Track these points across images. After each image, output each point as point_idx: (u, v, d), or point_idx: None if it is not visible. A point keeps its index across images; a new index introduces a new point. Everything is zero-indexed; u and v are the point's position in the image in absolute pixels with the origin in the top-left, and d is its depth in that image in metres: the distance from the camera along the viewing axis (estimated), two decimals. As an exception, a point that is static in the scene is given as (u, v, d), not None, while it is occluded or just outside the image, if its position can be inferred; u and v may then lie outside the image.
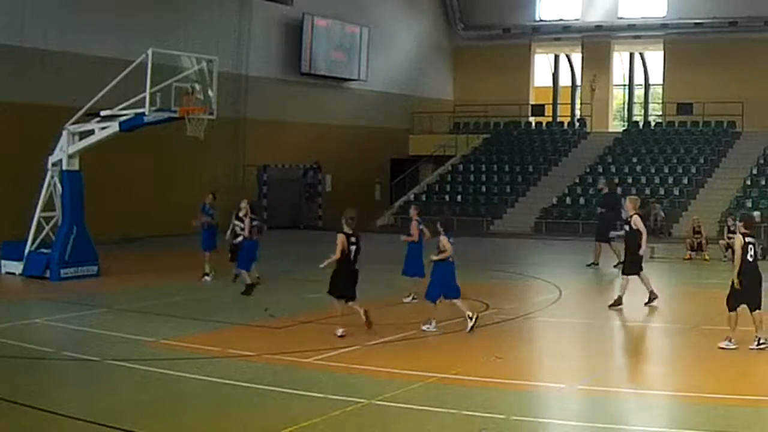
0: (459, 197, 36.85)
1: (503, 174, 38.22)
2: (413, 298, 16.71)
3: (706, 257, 24.58)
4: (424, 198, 37.35)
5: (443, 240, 14.13)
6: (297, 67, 35.96)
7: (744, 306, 12.99)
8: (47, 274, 19.77)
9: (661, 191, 34.25)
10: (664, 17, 40.15)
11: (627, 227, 16.72)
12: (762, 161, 34.66)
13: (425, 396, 10.28)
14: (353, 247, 13.75)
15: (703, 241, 24.93)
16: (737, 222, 13.69)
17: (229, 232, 18.67)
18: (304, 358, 12.16)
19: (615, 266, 21.90)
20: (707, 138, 37.64)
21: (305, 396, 10.19)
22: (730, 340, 12.81)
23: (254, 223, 18.03)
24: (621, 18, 41.24)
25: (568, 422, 9.63)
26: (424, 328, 14.22)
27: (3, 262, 20.80)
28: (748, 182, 33.64)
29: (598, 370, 12.11)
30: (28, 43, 25.93)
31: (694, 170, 35.28)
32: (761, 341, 12.73)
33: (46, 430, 9.18)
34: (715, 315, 15.98)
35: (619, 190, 27.63)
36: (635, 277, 16.70)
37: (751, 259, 13.02)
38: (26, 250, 20.34)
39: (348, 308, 13.88)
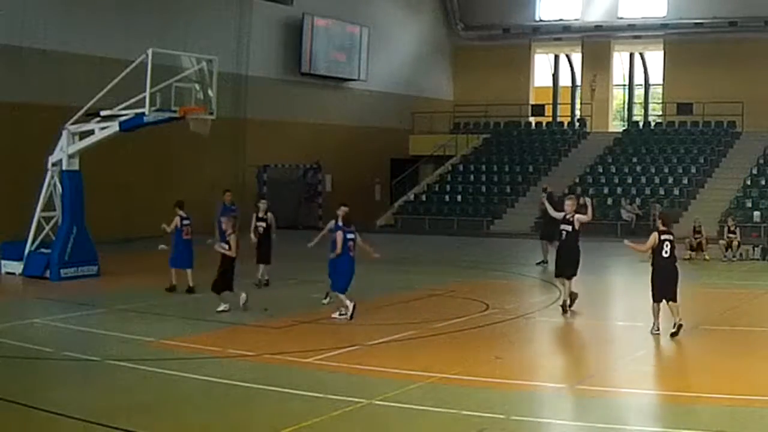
0: (459, 197, 36.82)
1: (503, 174, 38.20)
2: (330, 299, 16.40)
3: (707, 257, 24.57)
4: (424, 198, 37.36)
5: (338, 236, 15.14)
6: (297, 67, 35.93)
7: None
8: (47, 274, 19.77)
9: (661, 191, 34.24)
10: (664, 17, 40.12)
11: (569, 227, 15.77)
12: (762, 161, 34.65)
13: (425, 396, 10.29)
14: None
15: (703, 241, 24.91)
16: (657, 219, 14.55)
17: (252, 234, 18.56)
18: (304, 358, 12.16)
19: (538, 263, 22.80)
20: (707, 138, 37.63)
21: (305, 396, 10.19)
22: (656, 328, 13.72)
23: (185, 222, 17.96)
24: (621, 18, 41.20)
25: (568, 422, 9.64)
26: (333, 316, 15.03)
27: (3, 262, 20.81)
28: (748, 182, 33.63)
29: (597, 370, 12.12)
30: (28, 43, 25.92)
31: (694, 170, 35.27)
32: (656, 329, 13.70)
33: (46, 430, 9.19)
34: (715, 315, 16.03)
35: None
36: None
37: (666, 255, 13.67)
38: (26, 250, 20.35)
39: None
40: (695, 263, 24.21)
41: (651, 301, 13.84)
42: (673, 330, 13.47)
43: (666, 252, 13.67)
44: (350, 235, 15.25)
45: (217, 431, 9.29)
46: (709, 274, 22.39)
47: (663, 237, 13.75)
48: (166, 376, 11.21)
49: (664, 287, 13.67)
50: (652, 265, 13.84)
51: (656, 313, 13.79)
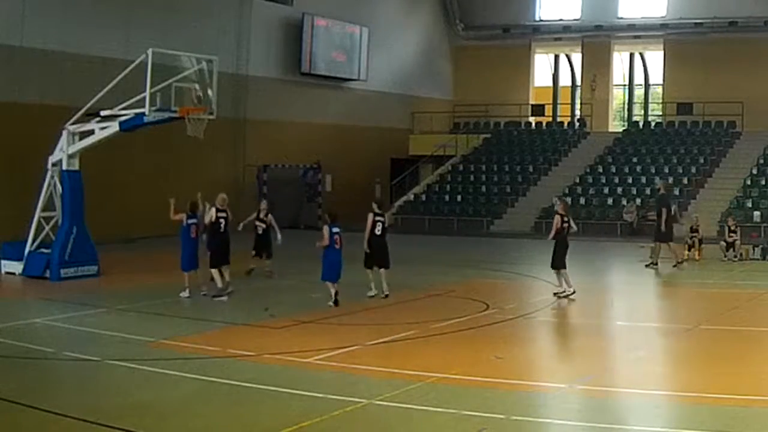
0: (459, 197, 36.82)
1: (503, 174, 38.20)
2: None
3: (697, 257, 24.42)
4: (424, 198, 37.36)
5: (324, 230, 16.23)
6: (297, 67, 35.93)
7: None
8: (47, 274, 19.76)
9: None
10: (664, 17, 40.14)
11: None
12: (762, 161, 34.65)
13: (425, 396, 10.28)
14: (222, 221, 17.42)
15: (697, 241, 24.82)
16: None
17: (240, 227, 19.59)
18: (304, 358, 12.16)
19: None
20: (707, 138, 37.63)
21: (305, 396, 10.19)
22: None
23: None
24: (621, 18, 41.21)
25: (568, 422, 9.63)
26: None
27: (3, 262, 20.79)
28: (748, 182, 33.63)
29: (598, 370, 12.11)
30: (28, 43, 25.91)
31: (694, 170, 35.27)
32: None
33: (46, 430, 9.19)
34: (715, 315, 16.03)
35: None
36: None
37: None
38: (26, 250, 20.34)
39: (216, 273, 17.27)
40: (694, 263, 24.15)
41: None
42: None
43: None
44: (335, 229, 16.24)
45: (217, 431, 9.29)
46: (709, 274, 22.38)
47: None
48: (166, 376, 11.20)
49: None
50: None
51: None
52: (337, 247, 16.25)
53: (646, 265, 22.50)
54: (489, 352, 12.80)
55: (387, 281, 17.30)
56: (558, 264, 17.51)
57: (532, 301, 17.82)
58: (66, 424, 9.22)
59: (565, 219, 17.63)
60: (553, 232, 17.59)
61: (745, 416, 9.52)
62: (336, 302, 16.24)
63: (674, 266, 22.45)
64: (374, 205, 17.46)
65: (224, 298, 17.19)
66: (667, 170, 35.58)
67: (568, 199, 34.89)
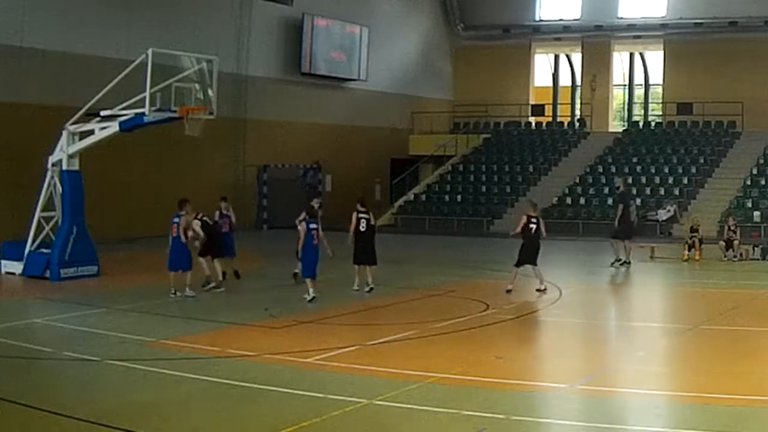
0: (459, 197, 36.81)
1: (503, 174, 38.19)
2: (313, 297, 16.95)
3: (697, 257, 24.40)
4: (424, 198, 37.36)
5: (300, 227, 17.15)
6: (297, 67, 35.92)
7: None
8: (47, 274, 19.77)
9: (662, 191, 34.24)
10: (664, 17, 40.12)
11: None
12: (762, 161, 34.64)
13: (425, 396, 10.28)
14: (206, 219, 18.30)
15: (697, 241, 24.81)
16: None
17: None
18: (304, 358, 12.16)
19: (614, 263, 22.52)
20: (707, 138, 37.62)
21: (305, 396, 10.19)
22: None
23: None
24: (621, 18, 41.20)
25: (568, 422, 9.63)
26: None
27: (3, 262, 20.80)
28: (748, 182, 33.63)
29: (598, 370, 12.11)
30: (28, 43, 25.90)
31: (694, 170, 35.27)
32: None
33: (46, 430, 9.19)
34: (715, 315, 16.03)
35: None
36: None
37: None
38: (26, 250, 20.35)
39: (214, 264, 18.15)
40: (693, 263, 24.16)
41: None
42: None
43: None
44: (312, 226, 17.03)
45: (217, 431, 9.29)
46: (709, 274, 22.38)
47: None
48: (166, 376, 11.20)
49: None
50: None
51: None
52: (315, 243, 16.86)
53: (620, 264, 22.54)
54: (489, 352, 12.81)
55: (372, 275, 17.93)
56: (520, 262, 18.25)
57: (532, 301, 17.83)
58: (66, 424, 9.22)
59: (533, 220, 18.30)
60: (518, 229, 18.53)
61: (745, 416, 9.52)
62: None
63: (612, 264, 22.64)
64: (358, 204, 18.30)
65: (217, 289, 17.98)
66: (667, 170, 35.60)
67: (568, 200, 35.06)
